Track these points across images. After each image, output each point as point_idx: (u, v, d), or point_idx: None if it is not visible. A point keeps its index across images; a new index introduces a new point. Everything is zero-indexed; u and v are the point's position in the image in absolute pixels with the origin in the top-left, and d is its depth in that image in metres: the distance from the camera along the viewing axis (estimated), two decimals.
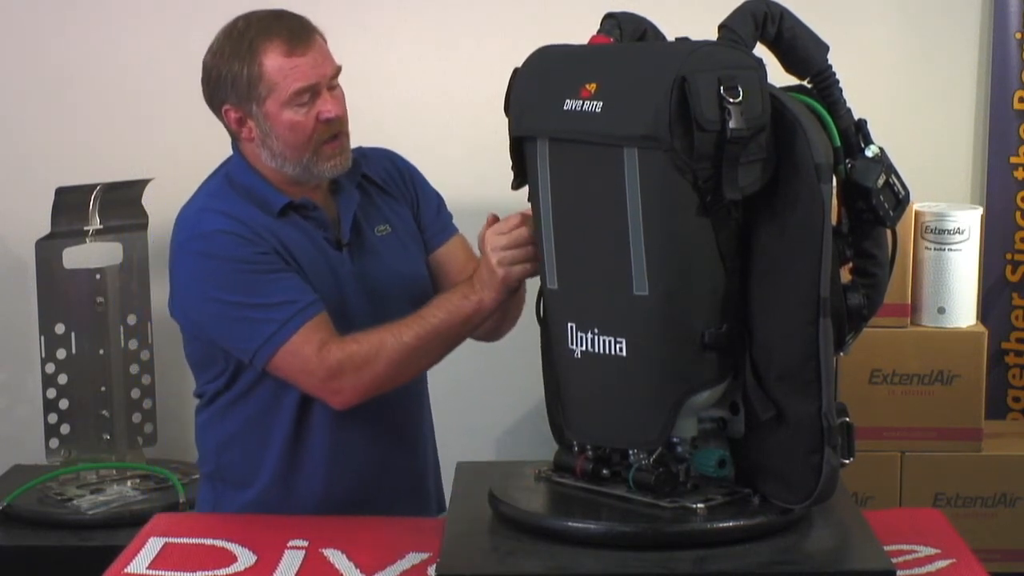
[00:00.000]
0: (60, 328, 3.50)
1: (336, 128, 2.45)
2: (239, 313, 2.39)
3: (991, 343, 3.50)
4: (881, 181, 2.01)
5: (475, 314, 2.36)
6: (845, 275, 2.07)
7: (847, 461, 2.01)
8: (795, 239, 1.94)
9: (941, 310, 3.39)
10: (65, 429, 3.54)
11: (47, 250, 3.47)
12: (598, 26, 2.14)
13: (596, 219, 1.99)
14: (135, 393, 3.61)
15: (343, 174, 2.51)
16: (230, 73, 2.43)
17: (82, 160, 3.73)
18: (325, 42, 2.47)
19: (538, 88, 2.07)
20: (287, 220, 2.47)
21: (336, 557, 2.19)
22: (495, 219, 2.30)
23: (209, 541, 2.27)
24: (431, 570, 2.08)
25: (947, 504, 3.35)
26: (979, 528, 3.30)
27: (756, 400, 1.99)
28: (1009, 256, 3.74)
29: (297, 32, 2.43)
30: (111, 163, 3.68)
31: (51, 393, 3.52)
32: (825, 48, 2.06)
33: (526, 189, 2.15)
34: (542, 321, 2.18)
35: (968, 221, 3.39)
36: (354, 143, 2.56)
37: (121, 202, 3.55)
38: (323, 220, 2.49)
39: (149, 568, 2.17)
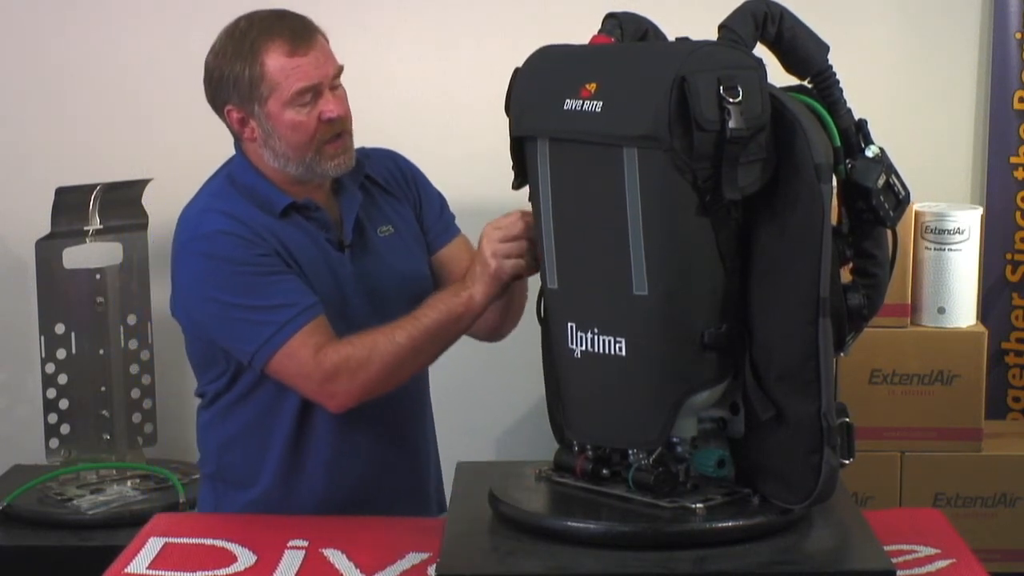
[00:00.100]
0: (60, 328, 3.50)
1: (339, 128, 2.44)
2: (239, 315, 2.39)
3: (991, 343, 3.50)
4: (881, 181, 2.01)
5: (465, 311, 2.36)
6: (845, 275, 2.07)
7: (847, 461, 2.01)
8: (795, 239, 1.94)
9: (941, 310, 3.39)
10: (65, 429, 3.54)
11: (47, 250, 3.47)
12: (599, 26, 2.14)
13: (596, 219, 1.99)
14: (135, 393, 3.61)
15: (346, 174, 2.51)
16: (232, 73, 2.43)
17: (82, 160, 3.73)
18: (327, 42, 2.47)
19: (538, 88, 2.07)
20: (289, 221, 2.47)
21: (336, 557, 2.19)
22: None
23: (209, 541, 2.27)
24: (431, 570, 2.08)
25: (947, 504, 3.35)
26: (979, 528, 3.30)
27: (756, 400, 1.99)
28: (1009, 256, 3.74)
29: (299, 32, 2.42)
30: (111, 163, 3.68)
31: (51, 393, 3.52)
32: (825, 48, 2.06)
33: (526, 189, 2.15)
34: (542, 321, 2.18)
35: (968, 221, 3.39)
36: (355, 143, 2.56)
37: (121, 202, 3.55)
38: (325, 221, 2.49)
39: (149, 568, 2.17)
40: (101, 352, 3.55)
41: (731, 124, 1.88)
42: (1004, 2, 3.67)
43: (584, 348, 2.03)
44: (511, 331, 2.60)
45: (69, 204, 3.46)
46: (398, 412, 2.54)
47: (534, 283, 2.25)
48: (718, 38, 2.01)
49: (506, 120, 2.13)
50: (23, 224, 3.66)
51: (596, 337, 2.02)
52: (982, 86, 3.74)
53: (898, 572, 1.95)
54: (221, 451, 2.56)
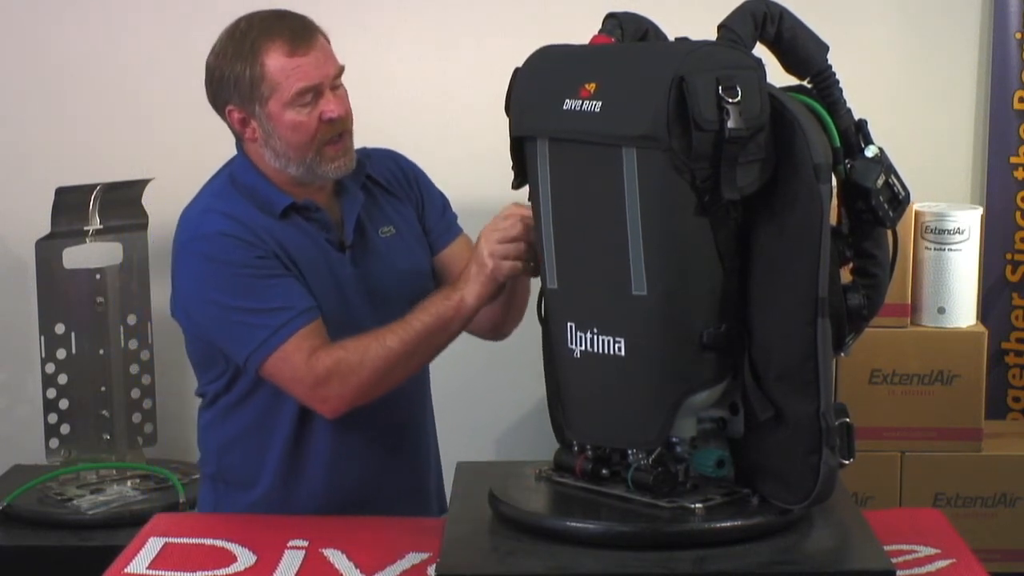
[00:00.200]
0: (60, 328, 3.50)
1: (339, 128, 2.44)
2: (236, 317, 2.38)
3: (991, 343, 3.50)
4: (880, 181, 2.01)
5: (455, 315, 2.36)
6: (845, 275, 2.07)
7: (847, 462, 2.01)
8: (794, 239, 1.94)
9: (941, 310, 3.39)
10: (65, 429, 3.54)
11: (47, 250, 3.47)
12: (599, 26, 2.14)
13: (595, 219, 1.99)
14: (135, 393, 3.61)
15: (347, 175, 2.51)
16: (232, 74, 2.43)
17: (82, 160, 3.73)
18: (328, 42, 2.47)
19: (538, 88, 2.07)
20: (289, 222, 2.46)
21: (336, 557, 2.19)
22: None
23: (209, 541, 2.27)
24: (431, 570, 2.08)
25: (947, 504, 3.35)
26: (979, 528, 3.30)
27: (755, 400, 1.99)
28: (1009, 256, 3.74)
29: (299, 32, 2.42)
30: (111, 163, 3.68)
31: (51, 393, 3.52)
32: (825, 48, 2.05)
33: (526, 189, 2.15)
34: (543, 320, 2.18)
35: (968, 221, 3.39)
36: (355, 144, 2.56)
37: (121, 202, 3.55)
38: (326, 222, 2.49)
39: (149, 568, 2.17)
40: (101, 352, 3.55)
41: (730, 124, 1.88)
42: (1004, 2, 3.67)
43: (583, 348, 2.03)
44: (514, 329, 2.60)
45: (69, 204, 3.46)
46: (398, 413, 2.54)
47: (536, 281, 2.25)
48: (717, 38, 2.01)
49: (506, 120, 2.13)
50: (23, 224, 3.66)
51: (595, 337, 2.01)
52: (982, 86, 3.74)
53: (898, 572, 1.95)
54: (221, 452, 2.56)
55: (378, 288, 2.51)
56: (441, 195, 2.68)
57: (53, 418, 3.53)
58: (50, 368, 3.51)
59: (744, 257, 1.99)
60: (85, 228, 3.51)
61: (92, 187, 3.49)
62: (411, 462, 2.60)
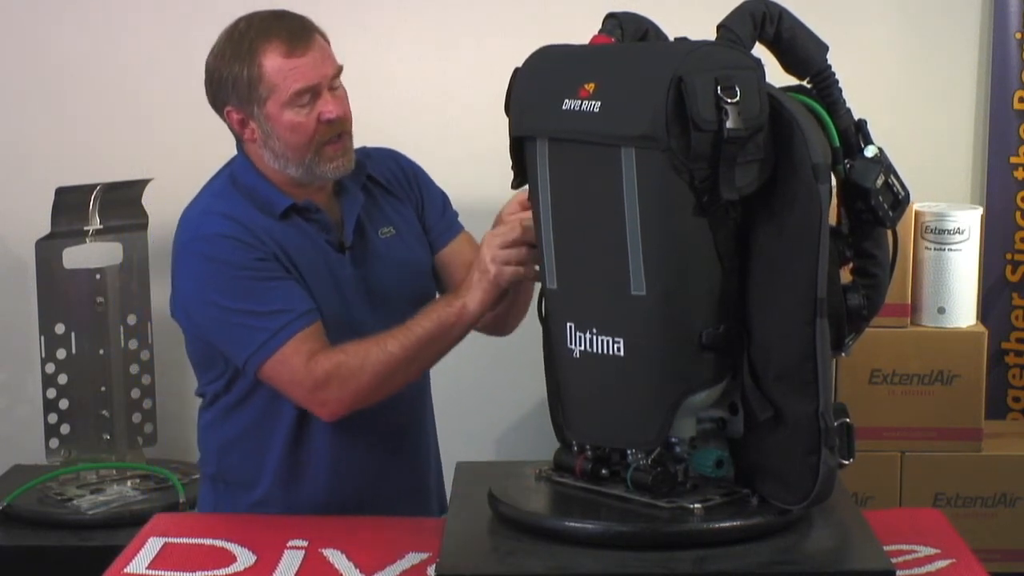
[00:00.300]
0: (60, 328, 3.50)
1: (338, 129, 2.44)
2: (236, 319, 2.38)
3: (991, 343, 3.50)
4: (880, 182, 2.01)
5: (457, 321, 2.35)
6: (846, 275, 2.07)
7: (847, 462, 2.01)
8: (793, 239, 1.94)
9: (941, 310, 3.39)
10: (65, 429, 3.54)
11: (47, 250, 3.47)
12: (599, 26, 2.14)
13: (595, 219, 1.99)
14: (135, 393, 3.61)
15: (348, 175, 2.51)
16: (231, 75, 2.43)
17: (82, 160, 3.73)
18: (327, 42, 2.47)
19: (538, 88, 2.07)
20: (289, 223, 2.46)
21: (336, 557, 2.19)
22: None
23: (209, 541, 2.27)
24: (431, 570, 2.08)
25: (947, 504, 3.35)
26: (979, 528, 3.30)
27: (754, 400, 1.99)
28: (1009, 256, 3.74)
29: (297, 33, 2.42)
30: (111, 163, 3.68)
31: (51, 393, 3.52)
32: (824, 48, 2.05)
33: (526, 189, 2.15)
34: (543, 320, 2.18)
35: (968, 221, 3.39)
36: (355, 143, 2.56)
37: (121, 202, 3.55)
38: (326, 223, 2.49)
39: (149, 568, 2.17)
40: (101, 352, 3.55)
41: (728, 124, 1.88)
42: (1004, 2, 3.67)
43: (583, 348, 2.03)
44: (516, 326, 2.59)
45: (69, 204, 3.46)
46: (399, 413, 2.54)
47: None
48: (716, 38, 2.01)
49: (506, 120, 2.13)
50: (23, 224, 3.66)
51: (595, 337, 2.01)
52: (982, 86, 3.74)
53: (898, 572, 1.95)
54: (221, 452, 2.56)
55: (378, 289, 2.51)
56: (441, 193, 2.67)
57: (53, 418, 3.53)
58: (50, 368, 3.51)
59: (743, 257, 1.99)
60: (85, 228, 3.51)
61: (92, 187, 3.49)
62: (411, 462, 2.60)
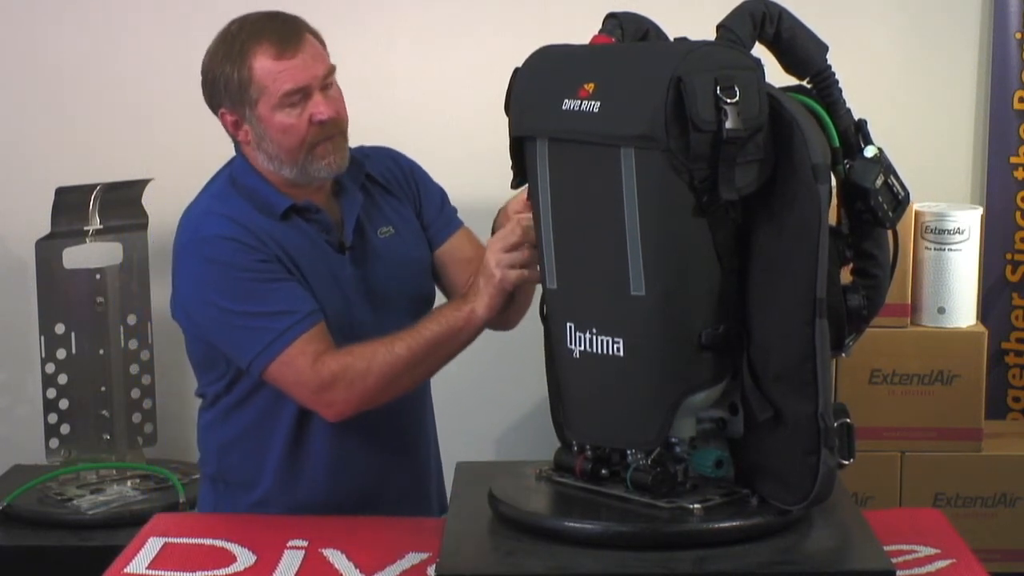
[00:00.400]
0: (60, 328, 3.50)
1: (331, 130, 2.43)
2: (238, 321, 2.38)
3: (991, 343, 3.50)
4: (879, 182, 2.01)
5: (466, 325, 2.35)
6: (846, 276, 2.07)
7: (847, 462, 2.01)
8: (792, 239, 1.94)
9: (941, 310, 3.39)
10: (65, 429, 3.54)
11: (47, 250, 3.47)
12: (599, 26, 2.14)
13: (594, 219, 1.99)
14: (135, 393, 3.61)
15: (346, 175, 2.50)
16: (223, 76, 2.43)
17: (82, 160, 3.73)
18: (321, 42, 2.46)
19: (538, 88, 2.07)
20: (290, 223, 2.46)
21: (336, 557, 2.19)
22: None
23: (209, 541, 2.27)
24: (431, 570, 2.08)
25: (947, 504, 3.35)
26: (979, 528, 3.30)
27: (753, 400, 1.98)
28: (1009, 256, 3.74)
29: (286, 34, 2.41)
30: (111, 163, 3.68)
31: (51, 393, 3.52)
32: (824, 48, 2.05)
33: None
34: (545, 320, 2.18)
35: (968, 221, 3.39)
36: (355, 143, 2.56)
37: (121, 202, 3.55)
38: (326, 223, 2.49)
39: (149, 568, 2.17)
40: (101, 352, 3.55)
41: (728, 124, 1.88)
42: (1004, 2, 3.67)
43: (583, 348, 2.03)
44: (518, 321, 2.59)
45: (69, 204, 3.46)
46: (398, 414, 2.54)
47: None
48: (716, 38, 2.00)
49: (506, 120, 2.13)
50: (23, 224, 3.66)
51: (594, 337, 2.01)
52: (982, 86, 3.74)
53: (898, 572, 1.95)
54: (221, 452, 2.56)
55: (378, 289, 2.50)
56: (439, 189, 2.67)
57: (53, 418, 3.53)
58: (50, 368, 3.51)
59: (743, 257, 1.99)
60: (85, 228, 3.51)
61: (92, 187, 3.49)
62: (411, 462, 2.60)
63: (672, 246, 1.94)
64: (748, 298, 1.99)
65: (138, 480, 3.53)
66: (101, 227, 3.53)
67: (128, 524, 3.12)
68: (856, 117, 2.06)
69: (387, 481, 2.55)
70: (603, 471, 2.10)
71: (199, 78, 2.49)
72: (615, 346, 1.99)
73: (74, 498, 3.41)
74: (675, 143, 1.89)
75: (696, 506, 1.99)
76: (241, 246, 2.39)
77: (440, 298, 2.59)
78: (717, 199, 1.92)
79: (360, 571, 2.15)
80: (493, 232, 2.38)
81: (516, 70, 2.12)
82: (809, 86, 2.06)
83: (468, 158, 3.55)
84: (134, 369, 3.60)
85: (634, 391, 2.00)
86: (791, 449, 1.97)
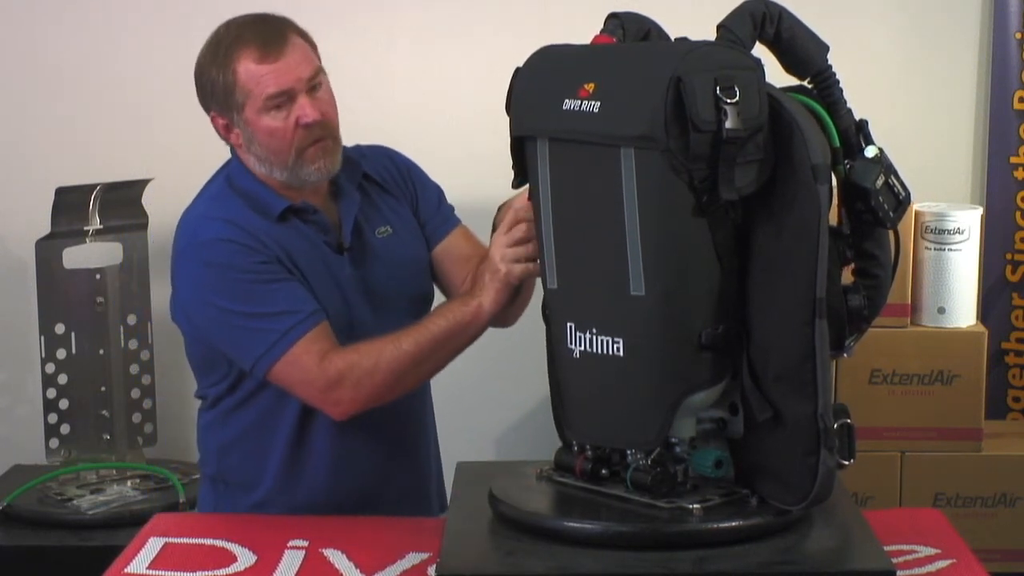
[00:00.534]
0: (60, 328, 3.50)
1: (318, 133, 2.42)
2: (241, 322, 2.38)
3: (991, 343, 3.50)
4: (880, 182, 2.01)
5: (473, 320, 2.35)
6: (847, 276, 2.07)
7: (847, 463, 2.01)
8: (792, 240, 1.94)
9: (941, 310, 3.39)
10: (65, 429, 3.54)
11: (47, 250, 3.47)
12: (600, 26, 2.13)
13: (594, 219, 1.99)
14: (135, 393, 3.61)
15: (343, 176, 2.50)
16: (210, 80, 2.43)
17: (82, 160, 3.73)
18: (310, 43, 2.45)
19: (538, 88, 2.07)
20: (288, 225, 2.46)
21: (336, 557, 2.19)
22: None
23: (209, 541, 2.27)
24: (431, 570, 2.08)
25: (947, 504, 3.35)
26: (979, 528, 3.30)
27: (753, 401, 1.98)
28: (1009, 256, 3.74)
29: (270, 37, 2.40)
30: (111, 163, 3.68)
31: (51, 393, 3.52)
32: (825, 48, 2.05)
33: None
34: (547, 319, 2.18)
35: (968, 221, 3.39)
36: (355, 143, 2.56)
37: (121, 202, 3.55)
38: (324, 224, 2.49)
39: (149, 568, 2.17)
40: (101, 352, 3.55)
41: (727, 124, 1.87)
42: (1004, 2, 3.67)
43: (583, 348, 2.03)
44: (518, 317, 2.58)
45: (69, 204, 3.46)
46: (399, 414, 2.54)
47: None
48: (716, 38, 2.00)
49: (506, 120, 2.13)
50: (23, 224, 3.66)
51: (594, 337, 2.01)
52: (982, 86, 3.74)
53: (898, 572, 1.95)
54: (221, 454, 2.55)
55: (377, 289, 2.50)
56: (436, 187, 2.67)
57: (53, 418, 3.53)
58: (50, 368, 3.51)
59: (743, 257, 1.99)
60: (85, 228, 3.51)
61: (92, 187, 3.49)
62: (412, 463, 2.60)
63: (672, 246, 1.94)
64: (748, 298, 1.99)
65: (138, 480, 3.53)
66: (101, 227, 3.53)
67: (128, 524, 3.12)
68: (856, 117, 2.05)
69: (387, 481, 2.55)
70: (603, 471, 2.10)
71: None
72: (615, 346, 1.99)
73: (74, 498, 3.41)
74: (675, 143, 1.88)
75: (695, 506, 1.99)
76: (241, 248, 2.39)
77: (439, 297, 2.59)
78: (717, 199, 1.92)
79: (360, 571, 2.15)
80: (494, 228, 2.38)
81: (517, 70, 2.12)
82: (809, 86, 2.06)
83: (468, 158, 3.55)
84: (134, 369, 3.60)
85: (634, 391, 2.00)
86: (791, 449, 1.97)
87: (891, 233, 2.08)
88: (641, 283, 1.95)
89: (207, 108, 2.47)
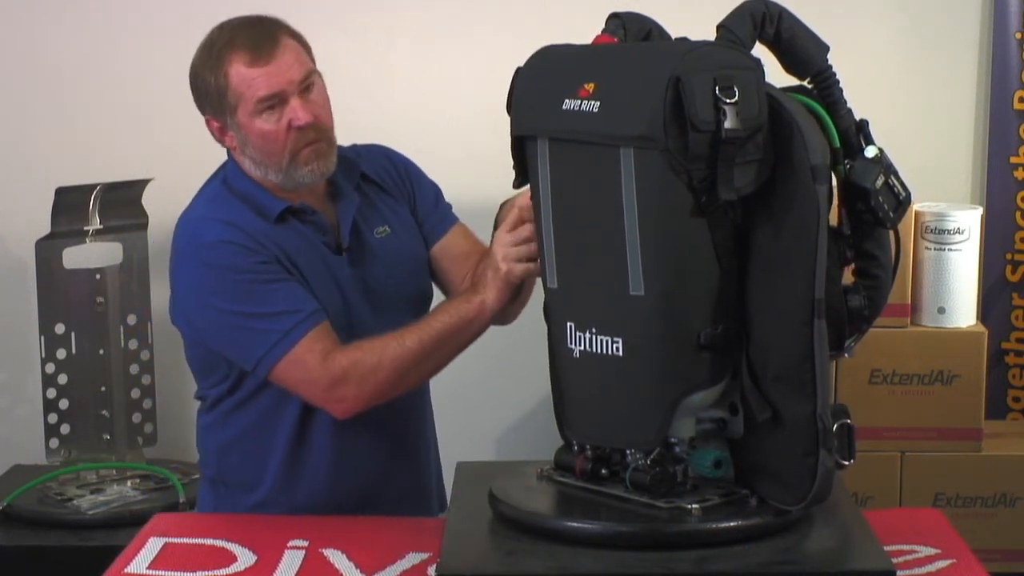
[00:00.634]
0: (60, 328, 3.50)
1: (311, 136, 2.41)
2: (241, 323, 2.38)
3: (991, 343, 3.50)
4: (880, 182, 2.01)
5: (477, 316, 2.35)
6: (848, 277, 2.06)
7: (847, 463, 2.01)
8: (791, 240, 1.93)
9: (941, 310, 3.39)
10: (65, 429, 3.54)
11: (47, 250, 3.47)
12: (601, 26, 2.13)
13: (594, 219, 1.99)
14: (135, 393, 3.61)
15: (341, 176, 2.50)
16: (204, 84, 2.43)
17: (82, 160, 3.73)
18: (303, 45, 2.45)
19: (539, 88, 2.07)
20: (286, 225, 2.46)
21: (336, 557, 2.19)
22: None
23: (209, 541, 2.27)
24: (431, 570, 2.08)
25: (947, 504, 3.35)
26: (979, 528, 3.30)
27: (752, 401, 1.98)
28: (1009, 256, 3.74)
29: (261, 40, 2.40)
30: (111, 163, 3.68)
31: (51, 393, 3.52)
32: (825, 48, 2.05)
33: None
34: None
35: (968, 221, 3.39)
36: (355, 143, 2.55)
37: (121, 202, 3.55)
38: (322, 224, 2.48)
39: (149, 568, 2.17)
40: (101, 352, 3.55)
41: (726, 124, 1.87)
42: (1004, 2, 3.67)
43: (582, 348, 2.03)
44: (517, 316, 2.58)
45: (69, 204, 3.47)
46: (399, 414, 2.54)
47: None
48: (716, 38, 2.00)
49: (506, 120, 2.13)
50: (23, 224, 3.66)
51: (594, 337, 2.01)
52: (982, 86, 3.74)
53: (898, 572, 1.95)
54: (221, 454, 2.55)
55: (376, 289, 2.50)
56: (433, 185, 2.67)
57: (53, 418, 3.53)
58: (50, 368, 3.51)
59: (742, 258, 1.99)
60: (85, 228, 3.51)
61: (92, 187, 3.49)
62: (412, 463, 2.60)
63: (671, 246, 1.94)
64: (747, 298, 1.99)
65: (138, 480, 3.53)
66: (101, 227, 3.53)
67: (128, 524, 3.12)
68: (856, 117, 2.05)
69: (387, 481, 2.55)
70: (603, 471, 2.10)
71: None
72: (614, 346, 1.99)
73: (74, 498, 3.41)
74: (674, 143, 1.88)
75: (694, 506, 1.99)
76: (240, 249, 2.39)
77: (438, 297, 2.59)
78: (716, 199, 1.91)
79: (360, 571, 2.15)
80: (496, 226, 2.39)
81: (518, 70, 2.12)
82: (809, 86, 2.05)
83: (468, 158, 3.55)
84: (134, 369, 3.60)
85: (633, 391, 2.00)
86: (790, 450, 1.97)
87: (891, 233, 2.08)
88: (640, 283, 1.95)
89: (202, 110, 2.48)
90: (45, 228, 3.47)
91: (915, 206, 3.37)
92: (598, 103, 1.96)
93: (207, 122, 2.47)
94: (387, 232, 2.55)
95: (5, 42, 3.79)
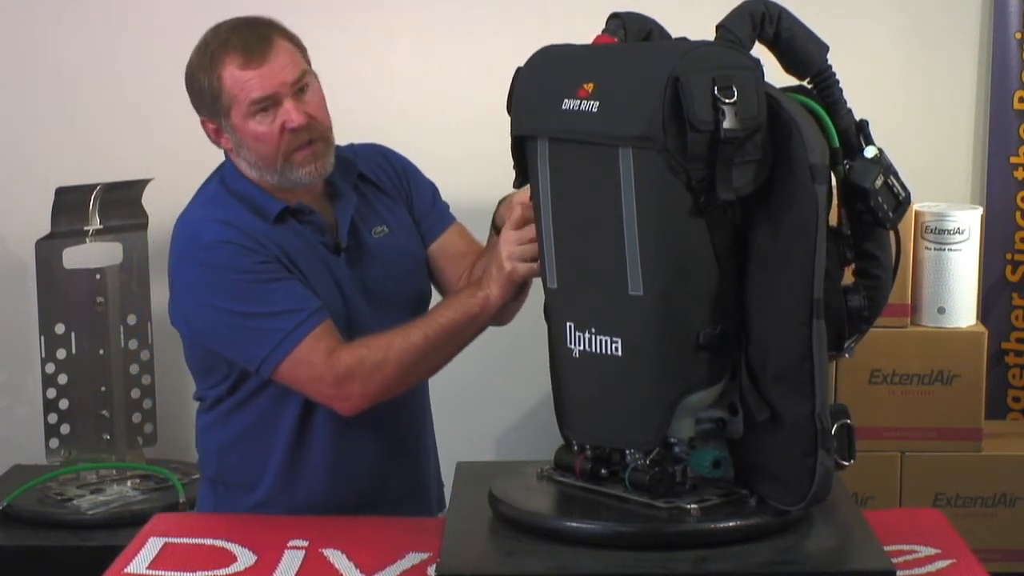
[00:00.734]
0: (60, 328, 3.50)
1: (305, 136, 2.41)
2: (243, 323, 2.38)
3: (991, 343, 3.50)
4: (879, 182, 2.01)
5: (481, 311, 2.35)
6: (848, 277, 2.06)
7: (846, 463, 2.01)
8: (790, 240, 1.93)
9: (941, 310, 3.39)
10: (65, 429, 3.54)
11: (47, 250, 3.47)
12: (601, 26, 2.13)
13: (593, 219, 1.99)
14: (135, 393, 3.61)
15: (338, 176, 2.50)
16: (199, 86, 2.43)
17: (82, 160, 3.73)
18: (297, 47, 2.45)
19: (538, 88, 2.07)
20: (285, 226, 2.45)
21: (336, 557, 2.19)
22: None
23: (209, 541, 2.27)
24: (431, 570, 2.08)
25: (947, 504, 3.35)
26: (979, 528, 3.30)
27: (751, 401, 1.98)
28: (1009, 256, 3.74)
29: (254, 43, 2.40)
30: (111, 163, 3.68)
31: (51, 393, 3.52)
32: (825, 48, 2.05)
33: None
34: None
35: (968, 221, 3.39)
36: (355, 143, 2.55)
37: (121, 202, 3.55)
38: (320, 224, 2.48)
39: (149, 568, 2.17)
40: (101, 352, 3.55)
41: (725, 124, 1.87)
42: (1004, 2, 3.67)
43: (582, 348, 2.03)
44: (514, 316, 2.58)
45: (69, 204, 3.47)
46: (398, 414, 2.54)
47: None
48: (715, 38, 2.00)
49: (506, 120, 2.13)
50: (23, 224, 3.66)
51: (593, 337, 2.01)
52: (982, 86, 3.74)
53: (898, 572, 1.95)
54: (221, 455, 2.55)
55: (375, 289, 2.51)
56: (430, 184, 2.67)
57: (53, 418, 3.53)
58: (50, 368, 3.51)
59: (741, 257, 1.99)
60: (85, 228, 3.51)
61: (92, 187, 3.49)
62: (411, 463, 2.60)
63: (670, 246, 1.94)
64: (746, 298, 1.99)
65: (138, 480, 3.53)
66: (101, 227, 3.53)
67: (128, 524, 3.12)
68: (856, 117, 2.05)
69: (387, 481, 2.55)
70: (603, 471, 2.10)
71: None
72: (613, 346, 1.99)
73: (74, 498, 3.41)
74: (673, 143, 1.88)
75: (693, 506, 1.99)
76: (240, 249, 2.39)
77: (436, 296, 2.59)
78: (715, 199, 1.92)
79: (360, 571, 2.15)
80: (494, 223, 2.38)
81: (518, 70, 2.12)
82: (809, 86, 2.05)
83: (468, 158, 3.55)
84: (134, 369, 3.60)
85: (633, 391, 2.00)
86: (789, 450, 1.97)
87: (891, 234, 2.08)
88: (639, 283, 1.95)
89: (198, 112, 2.48)
90: (45, 228, 3.47)
91: (915, 206, 3.37)
92: (597, 103, 1.96)
93: (203, 124, 2.48)
94: (385, 232, 2.55)
95: (5, 42, 3.79)
